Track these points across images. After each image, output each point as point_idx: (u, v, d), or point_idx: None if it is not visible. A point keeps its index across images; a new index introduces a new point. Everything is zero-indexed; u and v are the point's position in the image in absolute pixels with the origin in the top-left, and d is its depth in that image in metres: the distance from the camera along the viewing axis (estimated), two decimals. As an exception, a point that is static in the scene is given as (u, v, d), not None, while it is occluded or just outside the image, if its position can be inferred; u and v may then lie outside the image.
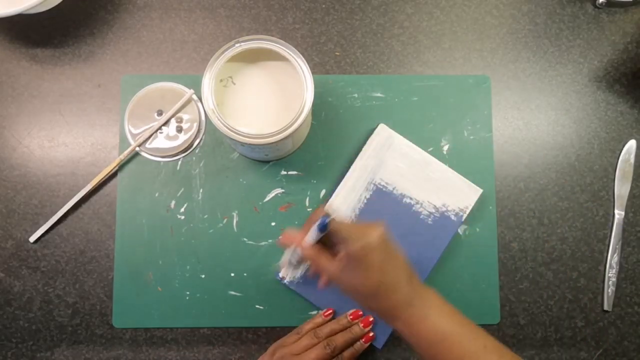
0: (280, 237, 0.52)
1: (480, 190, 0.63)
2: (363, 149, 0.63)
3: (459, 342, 0.44)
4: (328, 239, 0.49)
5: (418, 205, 0.62)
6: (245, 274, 0.63)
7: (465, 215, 0.62)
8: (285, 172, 0.64)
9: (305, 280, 0.61)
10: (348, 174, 0.63)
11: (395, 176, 0.63)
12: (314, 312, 0.62)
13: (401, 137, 0.63)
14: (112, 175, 0.64)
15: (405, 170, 0.63)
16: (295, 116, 0.53)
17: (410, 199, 0.62)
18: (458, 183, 0.63)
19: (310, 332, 0.57)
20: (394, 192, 0.62)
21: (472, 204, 0.63)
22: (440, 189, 0.63)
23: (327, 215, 0.46)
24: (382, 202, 0.62)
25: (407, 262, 0.47)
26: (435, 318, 0.45)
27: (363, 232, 0.45)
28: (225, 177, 0.64)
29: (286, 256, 0.55)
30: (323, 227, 0.46)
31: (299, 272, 0.61)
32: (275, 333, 0.62)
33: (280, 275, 0.61)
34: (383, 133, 0.63)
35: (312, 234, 0.48)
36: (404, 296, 0.45)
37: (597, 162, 0.66)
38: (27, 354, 0.62)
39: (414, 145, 0.63)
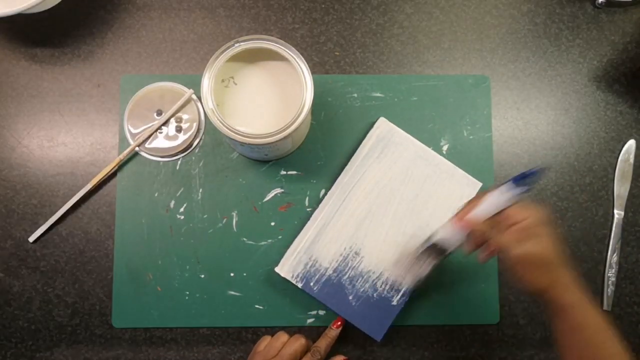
0: (457, 221, 0.51)
1: (480, 184, 0.63)
2: (363, 142, 0.63)
3: (597, 334, 0.48)
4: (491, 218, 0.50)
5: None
6: (244, 274, 0.63)
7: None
8: (284, 172, 0.64)
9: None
10: (347, 167, 0.63)
11: (391, 173, 0.63)
12: (314, 312, 0.62)
13: (401, 131, 0.63)
14: (112, 175, 0.64)
15: (403, 165, 0.63)
16: (294, 116, 0.53)
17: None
18: (458, 177, 0.63)
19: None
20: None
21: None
22: (440, 184, 0.63)
23: (536, 168, 0.47)
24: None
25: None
26: (576, 289, 0.47)
27: (533, 208, 0.48)
28: (225, 177, 0.64)
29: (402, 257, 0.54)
30: (532, 177, 0.47)
31: (408, 280, 0.57)
32: (274, 333, 0.62)
33: (396, 279, 0.58)
34: (383, 126, 0.63)
35: (495, 201, 0.48)
36: (567, 270, 0.48)
37: (597, 162, 0.66)
38: (27, 354, 0.62)
39: (414, 139, 0.63)
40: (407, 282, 0.58)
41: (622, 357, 0.48)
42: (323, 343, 0.58)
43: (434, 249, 0.54)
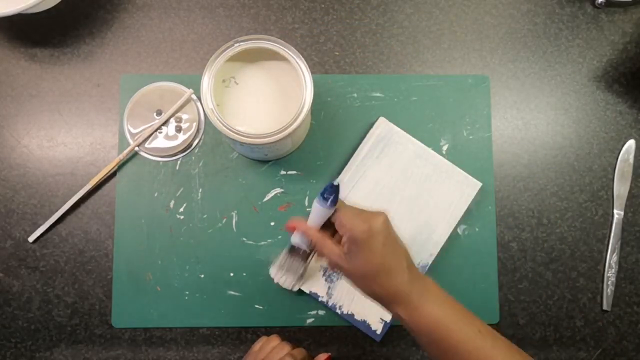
0: (287, 223, 0.53)
1: (480, 184, 0.63)
2: (362, 142, 0.63)
3: (455, 328, 0.45)
4: (331, 227, 0.50)
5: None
6: (244, 274, 0.63)
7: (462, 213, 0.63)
8: (284, 172, 0.64)
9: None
10: (347, 166, 0.63)
11: (391, 173, 0.63)
12: (313, 312, 0.62)
13: (401, 131, 0.63)
14: (111, 175, 0.64)
15: (403, 165, 0.63)
16: (294, 116, 0.53)
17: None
18: (457, 177, 0.63)
19: None
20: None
21: (471, 198, 0.63)
22: (440, 183, 0.63)
23: (332, 182, 0.47)
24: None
25: (407, 251, 0.48)
26: (432, 305, 0.46)
27: (367, 216, 0.47)
28: (225, 176, 0.64)
29: (282, 257, 0.56)
30: (332, 192, 0.47)
31: (290, 279, 0.59)
32: (274, 333, 0.62)
33: (272, 277, 0.60)
34: (383, 126, 0.63)
35: (317, 211, 0.49)
36: (403, 282, 0.46)
37: (596, 162, 0.66)
38: (26, 353, 0.62)
39: (414, 139, 0.63)
40: (289, 282, 0.59)
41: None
42: (303, 354, 0.57)
43: (296, 251, 0.57)
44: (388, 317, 0.61)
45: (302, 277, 0.59)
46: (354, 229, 0.46)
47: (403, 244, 0.48)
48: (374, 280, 0.46)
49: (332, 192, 0.47)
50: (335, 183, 0.47)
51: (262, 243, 0.63)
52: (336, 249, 0.48)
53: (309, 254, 0.57)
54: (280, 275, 0.59)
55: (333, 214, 0.49)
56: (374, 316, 0.61)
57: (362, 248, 0.46)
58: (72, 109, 0.65)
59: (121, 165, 0.64)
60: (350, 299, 0.61)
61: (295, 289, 0.60)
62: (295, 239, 0.54)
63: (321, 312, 0.62)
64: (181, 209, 0.63)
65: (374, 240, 0.46)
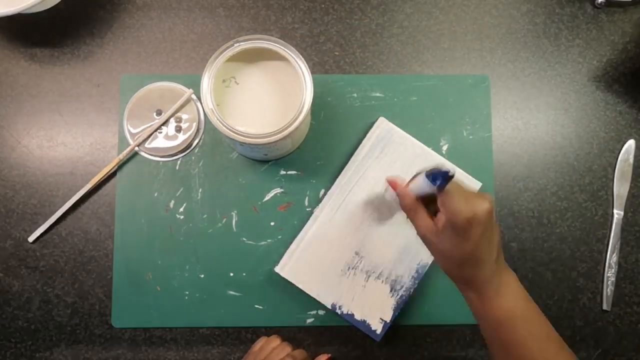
0: (389, 178, 0.52)
1: (480, 184, 0.63)
2: (362, 142, 0.63)
3: (525, 324, 0.45)
4: (427, 196, 0.48)
5: None
6: (244, 274, 0.63)
7: None
8: (284, 172, 0.64)
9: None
10: (347, 166, 0.63)
11: (391, 173, 0.63)
12: (313, 312, 0.62)
13: (401, 131, 0.63)
14: (111, 175, 0.64)
15: (403, 165, 0.63)
16: (294, 116, 0.53)
17: None
18: (457, 177, 0.63)
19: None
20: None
21: None
22: None
23: (448, 170, 0.43)
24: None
25: (500, 239, 0.47)
26: (508, 297, 0.46)
27: (473, 203, 0.44)
28: (225, 176, 0.64)
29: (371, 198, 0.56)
30: (443, 181, 0.44)
31: (376, 215, 0.58)
32: (274, 333, 0.62)
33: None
34: (383, 126, 0.63)
35: (421, 184, 0.46)
36: (486, 272, 0.46)
37: (596, 162, 0.66)
38: (26, 353, 0.62)
39: (414, 139, 0.63)
40: (375, 217, 0.59)
41: None
42: (303, 354, 0.57)
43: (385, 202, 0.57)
44: (388, 317, 0.61)
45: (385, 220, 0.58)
46: (457, 215, 0.43)
47: (499, 231, 0.47)
48: (460, 266, 0.46)
49: (443, 181, 0.44)
50: (451, 173, 0.43)
51: (262, 243, 0.63)
52: (430, 223, 0.47)
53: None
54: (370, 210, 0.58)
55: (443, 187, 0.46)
56: (374, 316, 0.61)
57: (459, 233, 0.44)
58: (72, 109, 0.65)
59: (121, 165, 0.64)
60: (350, 299, 0.61)
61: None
62: (389, 196, 0.53)
63: (321, 312, 0.62)
64: (181, 209, 0.63)
65: (473, 229, 0.44)
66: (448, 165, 0.44)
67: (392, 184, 0.51)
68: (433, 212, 0.48)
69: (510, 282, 0.47)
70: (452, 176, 0.43)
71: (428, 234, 0.47)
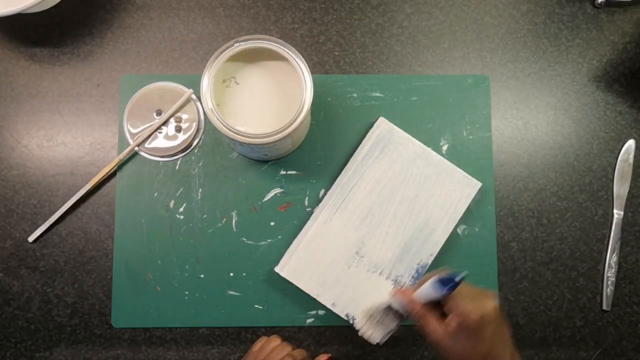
0: (395, 291, 0.53)
1: (480, 184, 0.63)
2: (362, 142, 0.63)
3: None
4: (432, 301, 0.49)
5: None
6: (244, 274, 0.63)
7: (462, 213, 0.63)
8: (284, 172, 0.64)
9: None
10: (347, 166, 0.63)
11: (391, 173, 0.63)
12: (313, 312, 0.62)
13: (401, 131, 0.63)
14: (111, 175, 0.64)
15: (403, 165, 0.63)
16: (294, 116, 0.53)
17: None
18: (457, 177, 0.63)
19: None
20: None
21: (471, 198, 0.63)
22: (440, 184, 0.63)
23: (458, 273, 0.45)
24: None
25: (510, 336, 0.47)
26: None
27: (480, 301, 0.45)
28: (225, 176, 0.64)
29: (372, 311, 0.56)
30: (455, 285, 0.44)
31: (378, 333, 0.58)
32: (274, 333, 0.62)
33: (358, 328, 0.59)
34: (383, 126, 0.63)
35: (429, 290, 0.47)
36: None
37: (596, 162, 0.66)
38: (26, 353, 0.62)
39: (414, 139, 0.63)
40: (377, 336, 0.58)
41: None
42: (303, 354, 0.57)
43: (392, 311, 0.56)
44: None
45: (390, 333, 0.58)
46: (467, 317, 0.45)
47: (508, 328, 0.47)
48: None
49: (455, 285, 0.45)
50: (457, 279, 0.44)
51: (262, 243, 0.63)
52: (440, 329, 0.47)
53: (406, 317, 0.56)
54: (368, 327, 0.58)
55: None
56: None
57: (472, 335, 0.45)
58: (72, 109, 0.65)
59: (121, 165, 0.64)
60: (350, 299, 0.61)
61: (381, 343, 0.58)
62: (396, 304, 0.54)
63: (321, 312, 0.62)
64: (181, 209, 0.63)
65: (485, 329, 0.45)
66: (457, 271, 0.45)
67: (402, 292, 0.52)
68: (439, 316, 0.49)
69: None
70: (463, 279, 0.44)
71: (441, 339, 0.47)
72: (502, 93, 0.67)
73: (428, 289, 0.47)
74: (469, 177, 0.63)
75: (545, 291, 0.64)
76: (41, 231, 0.63)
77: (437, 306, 0.49)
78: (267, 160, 0.64)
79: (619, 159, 0.66)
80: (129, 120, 0.64)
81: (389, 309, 0.57)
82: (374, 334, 0.58)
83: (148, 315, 0.62)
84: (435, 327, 0.48)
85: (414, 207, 0.63)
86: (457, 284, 0.45)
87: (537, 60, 0.67)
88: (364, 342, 0.62)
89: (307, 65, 0.54)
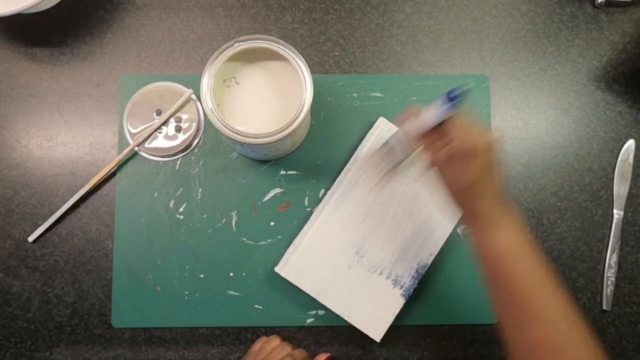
0: (400, 115, 0.53)
1: None
2: (362, 142, 0.63)
3: (520, 260, 0.45)
4: (437, 131, 0.49)
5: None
6: (244, 274, 0.63)
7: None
8: (284, 172, 0.64)
9: None
10: (347, 166, 0.63)
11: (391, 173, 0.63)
12: (313, 312, 0.62)
13: None
14: (111, 175, 0.64)
15: (402, 165, 0.63)
16: (294, 116, 0.53)
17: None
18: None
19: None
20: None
21: None
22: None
23: (462, 86, 0.44)
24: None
25: (504, 179, 0.48)
26: (507, 231, 0.46)
27: (476, 134, 0.46)
28: (224, 176, 0.64)
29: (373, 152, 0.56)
30: (462, 98, 0.44)
31: (371, 178, 0.58)
32: (274, 333, 0.62)
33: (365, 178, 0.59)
34: (383, 126, 0.63)
35: (436, 110, 0.46)
36: (487, 204, 0.47)
37: (596, 162, 0.66)
38: (26, 353, 0.62)
39: None
40: (369, 181, 0.59)
41: (556, 314, 0.44)
42: (303, 354, 0.57)
43: (391, 152, 0.57)
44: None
45: (381, 181, 0.58)
46: (463, 141, 0.46)
47: (504, 171, 0.48)
48: (462, 195, 0.48)
49: (461, 96, 0.44)
50: (466, 88, 0.44)
51: (262, 243, 0.63)
52: (442, 151, 0.47)
53: (399, 162, 0.57)
54: (361, 171, 0.58)
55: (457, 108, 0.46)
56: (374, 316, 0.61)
57: (463, 160, 0.46)
58: (72, 109, 0.65)
59: (121, 165, 0.64)
60: (350, 299, 0.61)
61: (372, 192, 0.58)
62: (398, 136, 0.54)
63: (321, 312, 0.62)
64: (181, 209, 0.63)
65: (477, 157, 0.45)
66: (461, 85, 0.45)
67: (409, 114, 0.51)
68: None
69: (511, 218, 0.47)
70: (469, 90, 0.45)
71: (440, 160, 0.48)
72: (502, 93, 0.67)
73: (433, 111, 0.47)
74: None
75: (545, 291, 0.64)
76: (41, 231, 0.62)
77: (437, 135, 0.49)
78: (267, 160, 0.64)
79: (619, 159, 0.66)
80: (129, 120, 0.64)
81: (384, 150, 0.57)
82: (366, 179, 0.59)
83: (148, 315, 0.62)
84: (436, 147, 0.48)
85: (413, 207, 0.63)
86: (462, 95, 0.44)
87: (537, 60, 0.67)
88: (364, 342, 0.62)
89: (307, 65, 0.54)
